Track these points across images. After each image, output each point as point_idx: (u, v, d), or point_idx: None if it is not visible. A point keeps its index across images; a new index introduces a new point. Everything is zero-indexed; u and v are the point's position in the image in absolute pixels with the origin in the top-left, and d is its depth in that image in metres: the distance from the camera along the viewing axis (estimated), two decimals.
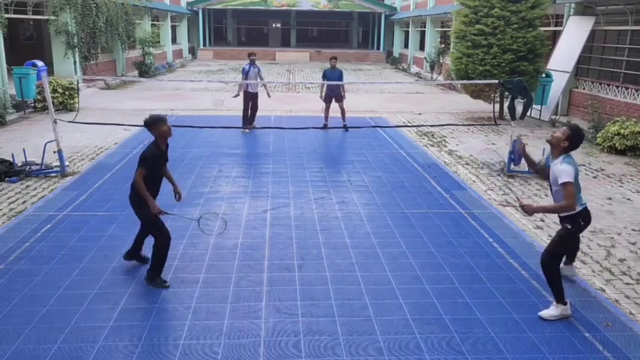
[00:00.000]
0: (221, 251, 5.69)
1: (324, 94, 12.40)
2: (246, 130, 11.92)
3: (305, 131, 11.45)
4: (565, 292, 4.49)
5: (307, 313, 4.50)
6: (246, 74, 11.94)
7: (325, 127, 12.11)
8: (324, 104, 12.46)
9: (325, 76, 12.53)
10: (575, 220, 4.47)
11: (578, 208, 4.43)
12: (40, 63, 10.68)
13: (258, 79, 11.92)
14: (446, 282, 5.11)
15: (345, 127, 12.05)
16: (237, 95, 12.17)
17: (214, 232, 5.09)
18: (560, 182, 4.26)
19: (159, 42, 28.23)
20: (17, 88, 12.35)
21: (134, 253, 5.31)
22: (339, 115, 12.31)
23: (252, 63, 11.87)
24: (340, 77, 12.37)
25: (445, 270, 5.36)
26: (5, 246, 5.69)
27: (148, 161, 4.72)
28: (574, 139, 4.32)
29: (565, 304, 4.47)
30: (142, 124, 4.86)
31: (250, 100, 11.98)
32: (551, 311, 4.48)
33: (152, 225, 4.88)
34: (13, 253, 5.51)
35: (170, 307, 4.55)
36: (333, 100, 12.27)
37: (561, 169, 4.27)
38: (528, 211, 4.42)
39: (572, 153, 4.39)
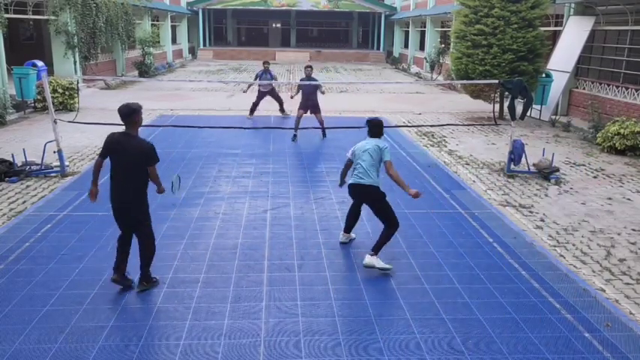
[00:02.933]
0: (221, 251, 5.69)
1: (297, 97, 11.64)
2: (250, 117, 13.48)
3: (305, 131, 11.45)
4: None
5: (307, 313, 4.51)
6: (258, 78, 13.21)
7: (295, 137, 11.21)
8: (297, 112, 11.40)
9: (300, 86, 11.48)
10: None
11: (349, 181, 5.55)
12: (40, 63, 10.66)
13: (272, 81, 13.00)
14: (446, 282, 5.11)
15: (324, 134, 11.46)
16: (245, 92, 14.44)
17: (177, 189, 5.19)
18: None
19: (159, 42, 28.23)
20: (17, 88, 12.33)
21: (123, 271, 4.81)
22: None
23: (265, 70, 13.03)
24: (315, 89, 11.27)
25: (445, 270, 5.36)
26: (5, 246, 5.69)
27: (157, 154, 4.62)
28: (368, 126, 5.53)
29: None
30: (121, 112, 4.56)
31: (266, 94, 13.43)
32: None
33: (149, 225, 4.78)
34: (13, 253, 5.51)
35: (170, 307, 4.55)
36: (309, 111, 11.32)
37: None
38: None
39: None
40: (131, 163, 4.51)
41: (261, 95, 13.43)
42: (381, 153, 5.34)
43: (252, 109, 13.60)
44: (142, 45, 24.28)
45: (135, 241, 4.80)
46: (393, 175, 5.29)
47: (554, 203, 7.54)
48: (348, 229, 5.99)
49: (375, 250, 5.35)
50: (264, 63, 13.22)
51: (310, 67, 11.74)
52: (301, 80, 11.53)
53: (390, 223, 5.40)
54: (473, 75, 13.14)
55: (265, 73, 13.00)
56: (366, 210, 7.07)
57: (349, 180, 5.53)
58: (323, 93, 11.75)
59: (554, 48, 14.64)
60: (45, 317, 4.35)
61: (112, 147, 4.57)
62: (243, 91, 13.65)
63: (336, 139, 11.36)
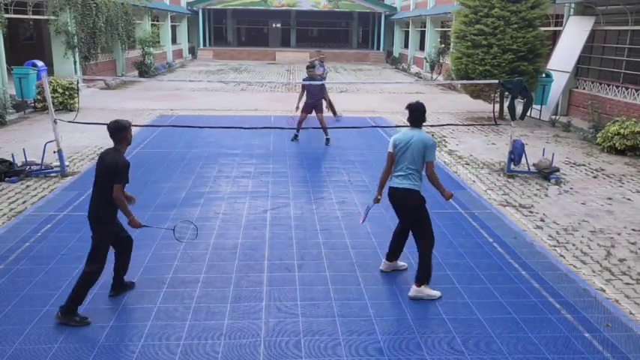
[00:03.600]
0: (221, 251, 5.69)
1: (301, 104, 11.02)
2: (340, 115, 13.10)
3: (305, 131, 11.45)
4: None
5: (307, 313, 4.50)
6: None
7: (296, 137, 11.18)
8: (301, 114, 11.08)
9: (304, 87, 10.99)
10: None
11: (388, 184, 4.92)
12: (40, 63, 10.67)
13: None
14: (446, 282, 5.10)
15: (327, 141, 10.98)
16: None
17: (186, 239, 4.90)
18: None
19: (159, 42, 28.23)
20: (17, 88, 12.35)
21: (120, 284, 4.75)
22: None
23: (320, 63, 13.27)
24: (321, 88, 10.99)
25: (445, 270, 5.36)
26: (5, 246, 5.69)
27: (127, 174, 4.27)
28: (409, 110, 4.87)
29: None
30: (109, 128, 4.34)
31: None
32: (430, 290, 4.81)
33: (101, 248, 4.31)
34: (13, 253, 5.51)
35: (170, 307, 4.55)
36: (313, 111, 10.98)
37: None
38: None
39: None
40: (101, 177, 4.28)
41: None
42: (425, 151, 4.68)
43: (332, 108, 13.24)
44: (142, 45, 24.28)
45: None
46: (433, 177, 4.76)
47: (554, 203, 7.54)
48: (391, 255, 5.19)
49: (420, 281, 4.74)
50: (318, 52, 14.02)
51: (313, 66, 11.33)
52: (304, 80, 11.15)
53: (425, 238, 4.79)
54: (473, 75, 13.13)
55: (321, 66, 13.25)
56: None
57: (390, 182, 4.89)
58: (325, 100, 11.39)
59: (554, 48, 14.64)
60: (45, 317, 4.35)
61: (98, 160, 4.41)
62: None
63: (337, 139, 11.35)
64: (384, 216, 6.87)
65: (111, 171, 4.20)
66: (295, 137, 11.25)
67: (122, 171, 4.21)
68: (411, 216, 4.86)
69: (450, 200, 5.40)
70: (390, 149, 4.83)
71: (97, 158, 4.39)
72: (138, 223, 4.40)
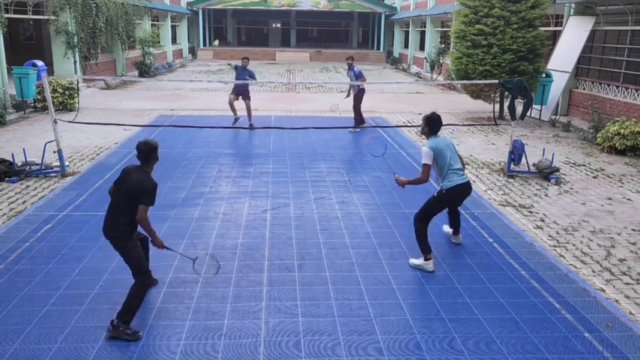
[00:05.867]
0: (221, 251, 5.69)
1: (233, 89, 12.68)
2: (356, 130, 12.50)
3: (305, 131, 11.46)
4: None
5: (307, 313, 4.51)
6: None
7: (236, 120, 12.26)
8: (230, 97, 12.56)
9: (236, 73, 12.59)
10: (440, 192, 5.38)
11: (447, 185, 5.31)
12: (40, 63, 10.69)
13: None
14: (446, 282, 5.11)
15: (251, 127, 12.10)
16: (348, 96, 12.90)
17: (209, 273, 4.98)
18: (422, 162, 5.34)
19: (159, 42, 28.22)
20: (17, 88, 12.37)
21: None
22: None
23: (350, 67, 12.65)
24: (250, 77, 12.36)
25: (445, 270, 5.36)
26: (5, 246, 5.69)
27: (155, 196, 4.13)
28: (429, 122, 5.34)
29: (428, 259, 5.29)
30: (140, 149, 4.19)
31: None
32: (416, 260, 5.41)
33: (137, 260, 4.18)
34: (13, 253, 5.51)
35: (170, 307, 4.55)
36: (240, 97, 12.34)
37: (422, 152, 5.34)
38: (400, 183, 5.49)
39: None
40: (124, 195, 4.12)
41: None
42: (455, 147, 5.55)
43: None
44: (142, 45, 24.28)
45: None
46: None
47: (554, 203, 7.54)
48: (454, 227, 6.04)
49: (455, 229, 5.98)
50: (348, 59, 12.64)
51: (247, 58, 12.50)
52: (236, 67, 12.57)
53: None
54: (473, 75, 13.13)
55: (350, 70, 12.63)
56: (367, 210, 7.10)
57: (452, 181, 5.30)
58: (254, 78, 12.71)
59: (554, 48, 14.64)
60: (45, 317, 4.35)
61: (121, 176, 4.27)
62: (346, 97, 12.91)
63: (336, 139, 11.36)
64: (384, 215, 6.88)
65: (137, 192, 4.05)
66: (235, 120, 12.20)
67: (150, 193, 4.07)
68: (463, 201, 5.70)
69: None
70: (429, 162, 5.27)
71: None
72: (161, 244, 4.30)
